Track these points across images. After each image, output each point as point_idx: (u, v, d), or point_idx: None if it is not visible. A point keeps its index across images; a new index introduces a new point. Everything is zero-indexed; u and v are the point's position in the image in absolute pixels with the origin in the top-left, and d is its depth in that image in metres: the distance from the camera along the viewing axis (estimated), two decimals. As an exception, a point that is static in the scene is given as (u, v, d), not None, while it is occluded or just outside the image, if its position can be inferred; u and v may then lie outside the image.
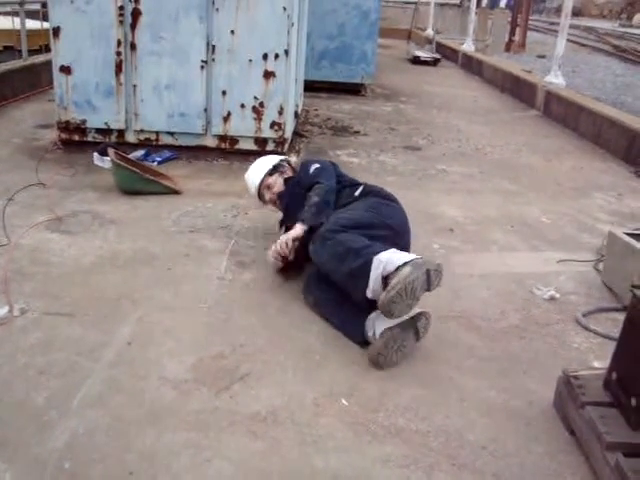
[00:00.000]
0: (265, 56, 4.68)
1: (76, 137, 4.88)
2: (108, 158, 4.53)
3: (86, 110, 4.77)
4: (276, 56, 4.68)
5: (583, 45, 20.65)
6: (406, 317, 2.47)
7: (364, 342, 2.56)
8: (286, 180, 3.34)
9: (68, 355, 2.38)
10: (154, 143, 4.91)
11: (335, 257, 2.62)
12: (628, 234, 3.20)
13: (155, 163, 4.67)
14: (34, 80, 7.06)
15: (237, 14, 4.56)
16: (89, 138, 4.88)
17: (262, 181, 3.34)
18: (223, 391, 2.23)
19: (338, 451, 2.00)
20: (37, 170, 4.27)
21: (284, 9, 4.57)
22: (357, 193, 3.10)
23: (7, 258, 3.09)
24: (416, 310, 2.51)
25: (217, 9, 4.55)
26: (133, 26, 4.59)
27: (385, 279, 2.44)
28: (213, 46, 4.65)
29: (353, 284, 2.57)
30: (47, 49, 9.19)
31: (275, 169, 3.37)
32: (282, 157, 3.52)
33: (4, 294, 2.76)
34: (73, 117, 4.80)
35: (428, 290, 2.47)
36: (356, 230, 2.73)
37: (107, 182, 4.22)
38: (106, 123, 4.82)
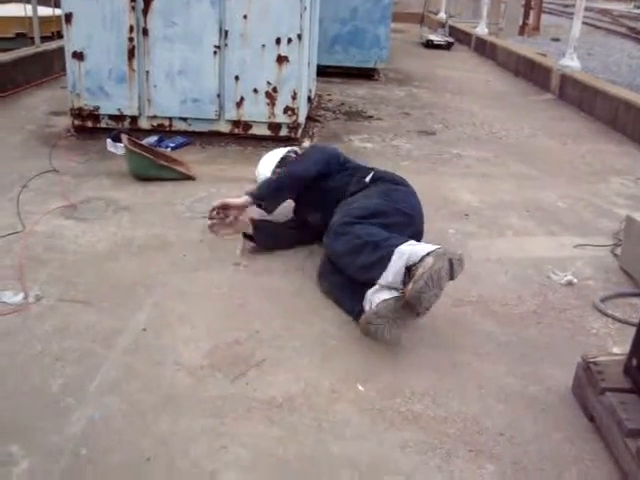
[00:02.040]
0: (278, 41, 4.63)
1: (89, 124, 4.87)
2: (121, 144, 4.52)
3: (99, 96, 4.76)
4: (289, 41, 4.64)
5: (598, 27, 20.35)
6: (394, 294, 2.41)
7: None
8: None
9: (83, 342, 2.38)
10: (167, 129, 4.90)
11: (352, 250, 2.59)
12: (647, 218, 3.15)
13: (168, 149, 4.65)
14: (47, 67, 7.06)
15: (250, -2, 4.52)
16: (102, 125, 4.88)
17: (274, 174, 3.34)
18: (239, 377, 2.22)
19: (355, 437, 1.99)
20: (50, 157, 4.27)
21: (296, -8, 4.53)
22: (367, 179, 3.07)
23: (22, 245, 3.09)
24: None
25: (229, -7, 4.52)
26: (145, 11, 4.55)
27: (408, 270, 2.41)
28: (226, 31, 4.60)
29: (368, 275, 2.51)
30: (59, 36, 9.17)
31: (283, 160, 3.38)
32: (289, 148, 3.52)
33: (19, 281, 2.77)
34: (86, 104, 4.79)
35: (452, 279, 2.43)
36: (370, 219, 2.70)
37: (121, 168, 4.21)
38: (119, 109, 4.81)
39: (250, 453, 1.89)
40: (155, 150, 4.31)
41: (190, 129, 4.92)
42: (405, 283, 2.37)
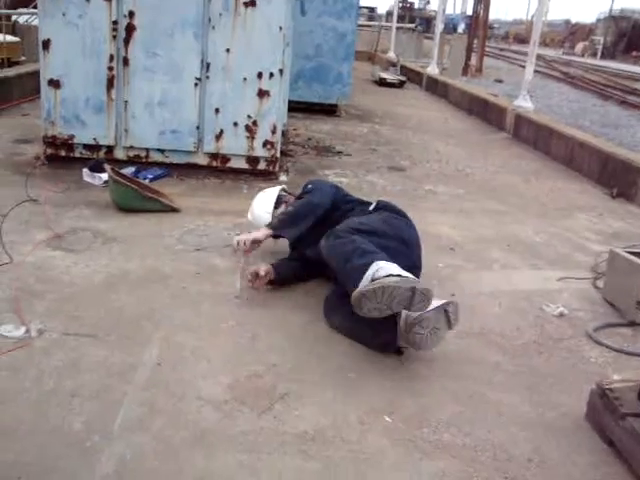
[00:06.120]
0: (260, 75, 4.68)
1: (62, 152, 4.77)
2: (99, 175, 4.46)
3: (74, 125, 4.67)
4: (270, 75, 4.69)
5: (535, 71, 21.39)
6: (436, 304, 2.49)
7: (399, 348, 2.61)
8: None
9: (98, 377, 2.31)
10: (143, 160, 4.84)
11: (343, 254, 2.69)
12: (630, 252, 3.32)
13: (147, 180, 4.58)
14: (5, 94, 6.86)
15: (233, 32, 4.57)
16: (76, 154, 4.78)
17: (273, 215, 3.37)
18: (266, 411, 2.20)
19: (393, 469, 1.99)
20: (27, 186, 4.14)
21: (280, 28, 4.60)
22: (371, 208, 3.18)
23: (12, 276, 2.98)
24: (442, 300, 2.55)
25: (213, 27, 4.55)
26: (127, 41, 4.53)
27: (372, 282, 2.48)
28: (208, 63, 4.63)
29: (349, 280, 2.60)
30: (9, 63, 8.99)
31: (279, 200, 3.41)
32: (278, 187, 3.55)
33: (16, 314, 2.66)
34: (60, 132, 4.69)
35: (407, 309, 2.45)
36: (369, 236, 2.80)
37: (100, 198, 4.14)
38: (95, 139, 4.73)
39: (293, 488, 1.87)
40: (138, 181, 4.25)
41: (167, 161, 4.87)
42: None
